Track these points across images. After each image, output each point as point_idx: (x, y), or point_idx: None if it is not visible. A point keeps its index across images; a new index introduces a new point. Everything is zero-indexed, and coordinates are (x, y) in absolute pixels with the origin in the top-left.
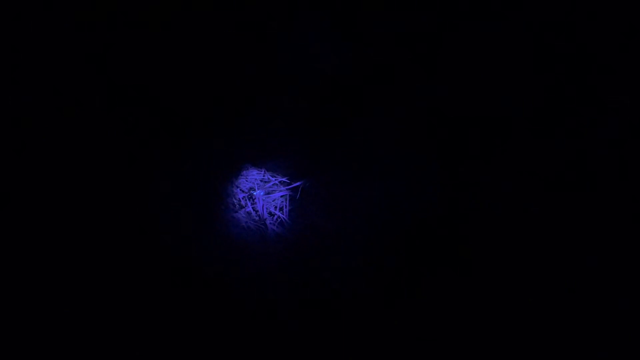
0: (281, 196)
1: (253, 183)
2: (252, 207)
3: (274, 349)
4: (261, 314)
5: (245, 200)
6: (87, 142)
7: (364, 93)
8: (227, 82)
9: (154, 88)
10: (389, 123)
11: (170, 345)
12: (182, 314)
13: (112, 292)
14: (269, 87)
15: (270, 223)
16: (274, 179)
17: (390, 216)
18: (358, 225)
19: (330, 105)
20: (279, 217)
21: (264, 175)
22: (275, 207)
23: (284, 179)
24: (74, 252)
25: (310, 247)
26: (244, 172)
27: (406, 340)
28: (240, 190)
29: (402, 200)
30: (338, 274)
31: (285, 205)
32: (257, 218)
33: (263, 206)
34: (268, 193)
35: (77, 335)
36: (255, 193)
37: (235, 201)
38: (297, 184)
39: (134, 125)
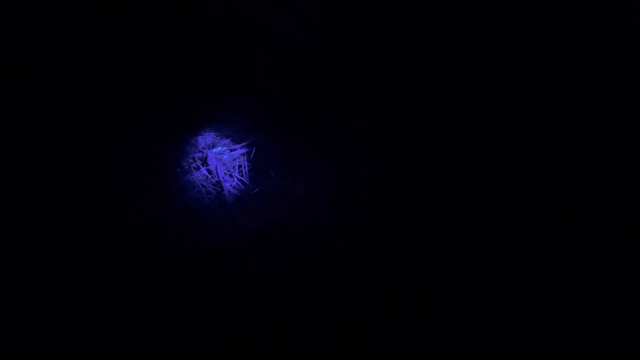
0: (241, 155)
1: (208, 142)
2: (207, 169)
3: (245, 332)
4: (225, 293)
5: (201, 161)
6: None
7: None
8: (183, 34)
9: (96, 38)
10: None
11: (130, 329)
12: (142, 295)
13: (64, 275)
14: (231, 43)
15: (229, 186)
16: (229, 138)
17: (350, 183)
18: (323, 189)
19: (299, 73)
20: (238, 179)
21: (218, 134)
22: (234, 168)
23: (240, 136)
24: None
25: (273, 212)
26: (199, 130)
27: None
28: (195, 149)
29: (363, 168)
30: (303, 244)
31: (244, 166)
32: (214, 180)
33: (217, 167)
34: (223, 153)
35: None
36: (209, 152)
37: (190, 162)
38: (252, 139)
39: (76, 80)
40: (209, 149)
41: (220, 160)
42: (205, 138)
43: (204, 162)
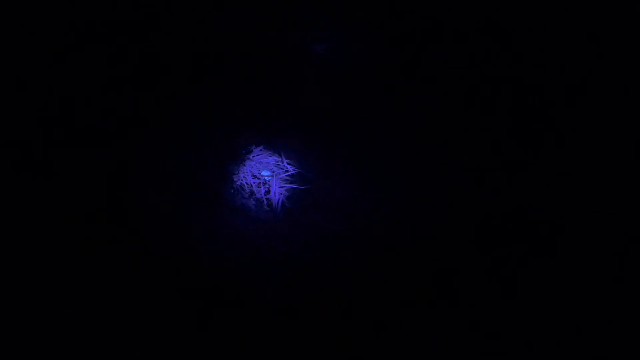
0: (300, 189)
1: (268, 168)
2: (265, 196)
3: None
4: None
5: (258, 186)
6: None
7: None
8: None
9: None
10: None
11: (169, 346)
12: (180, 315)
13: (108, 294)
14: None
15: (282, 217)
16: (291, 167)
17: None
18: (368, 231)
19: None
20: (291, 211)
21: (282, 162)
22: (289, 199)
23: (300, 171)
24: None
25: (316, 248)
26: (258, 153)
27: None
28: (253, 175)
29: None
30: (342, 280)
31: (298, 199)
32: (267, 209)
33: (279, 198)
34: (285, 182)
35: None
36: (270, 180)
37: (245, 186)
38: (314, 180)
39: (129, 88)
40: (270, 176)
41: (279, 190)
42: (263, 163)
43: (261, 187)
